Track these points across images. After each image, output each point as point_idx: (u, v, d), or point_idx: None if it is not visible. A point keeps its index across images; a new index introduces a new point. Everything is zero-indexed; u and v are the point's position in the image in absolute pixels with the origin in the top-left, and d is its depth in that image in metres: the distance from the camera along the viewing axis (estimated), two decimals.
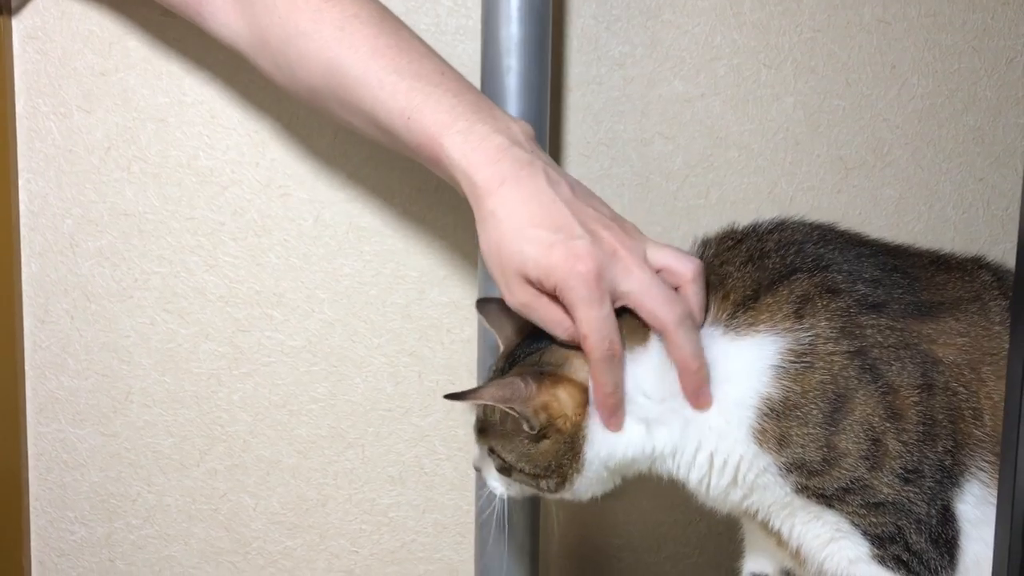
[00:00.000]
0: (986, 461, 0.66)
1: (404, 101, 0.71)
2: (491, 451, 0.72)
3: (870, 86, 0.97)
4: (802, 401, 0.65)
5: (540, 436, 0.69)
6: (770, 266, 0.69)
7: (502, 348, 0.75)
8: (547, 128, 0.89)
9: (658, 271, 0.68)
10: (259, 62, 0.80)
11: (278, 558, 1.04)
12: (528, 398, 0.67)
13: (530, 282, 0.67)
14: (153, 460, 1.02)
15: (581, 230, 0.65)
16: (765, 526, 0.72)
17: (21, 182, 0.98)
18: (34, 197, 0.98)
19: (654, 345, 0.68)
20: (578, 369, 0.68)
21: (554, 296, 0.67)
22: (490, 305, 0.77)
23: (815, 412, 0.65)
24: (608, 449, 0.69)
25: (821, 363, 0.66)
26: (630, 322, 0.68)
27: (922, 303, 0.68)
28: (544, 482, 0.71)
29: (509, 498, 0.75)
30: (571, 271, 0.64)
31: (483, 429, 0.73)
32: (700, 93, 0.97)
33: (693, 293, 0.67)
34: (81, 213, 0.98)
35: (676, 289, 0.68)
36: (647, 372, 0.68)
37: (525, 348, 0.71)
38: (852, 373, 0.65)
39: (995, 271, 0.73)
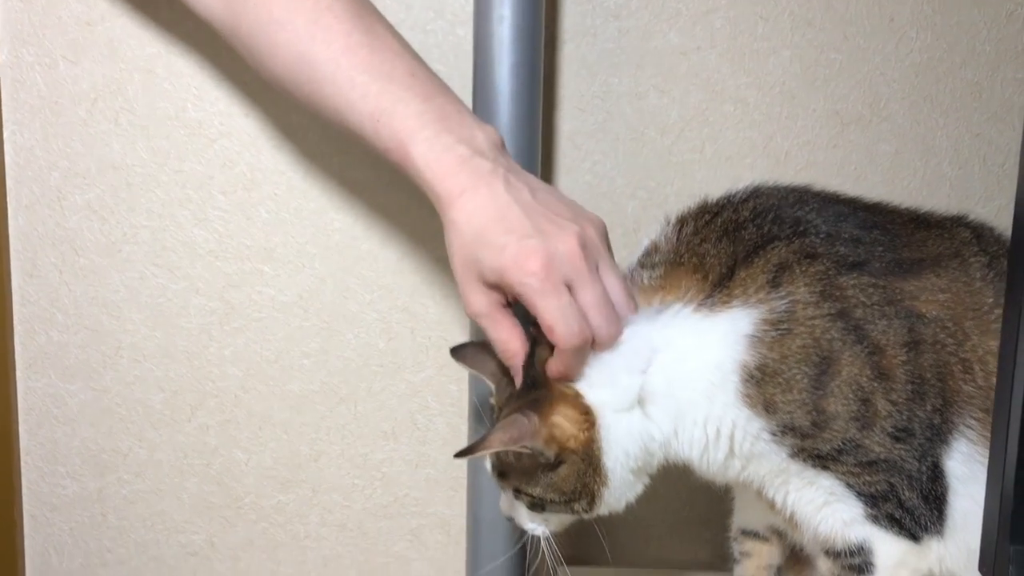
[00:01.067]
0: (973, 418, 0.67)
1: (374, 104, 0.72)
2: (517, 492, 0.72)
3: (867, 40, 0.96)
4: (782, 367, 0.66)
5: (557, 463, 0.69)
6: (746, 237, 0.70)
7: (493, 388, 0.75)
8: (541, 80, 0.88)
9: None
10: (232, 43, 0.79)
11: (271, 513, 1.05)
12: (535, 432, 0.68)
13: (491, 288, 0.69)
14: (144, 415, 1.02)
15: (532, 229, 0.67)
16: (761, 494, 0.73)
17: (6, 134, 0.97)
18: (19, 149, 0.97)
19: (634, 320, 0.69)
20: (569, 386, 0.69)
21: (510, 308, 0.70)
22: (465, 350, 0.78)
23: (799, 377, 0.66)
24: (623, 449, 0.69)
25: (802, 328, 0.66)
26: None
27: (903, 260, 0.68)
28: (577, 505, 0.71)
29: (552, 534, 0.75)
30: (522, 269, 0.66)
31: (503, 473, 0.72)
32: (696, 46, 0.96)
33: (620, 322, 0.69)
34: (68, 166, 0.97)
35: None
36: (629, 351, 0.69)
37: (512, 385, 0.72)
38: (836, 335, 0.65)
39: (974, 228, 0.73)
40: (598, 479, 0.69)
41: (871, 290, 0.67)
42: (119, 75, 0.96)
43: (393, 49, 0.74)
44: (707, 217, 0.73)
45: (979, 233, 0.73)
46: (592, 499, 0.70)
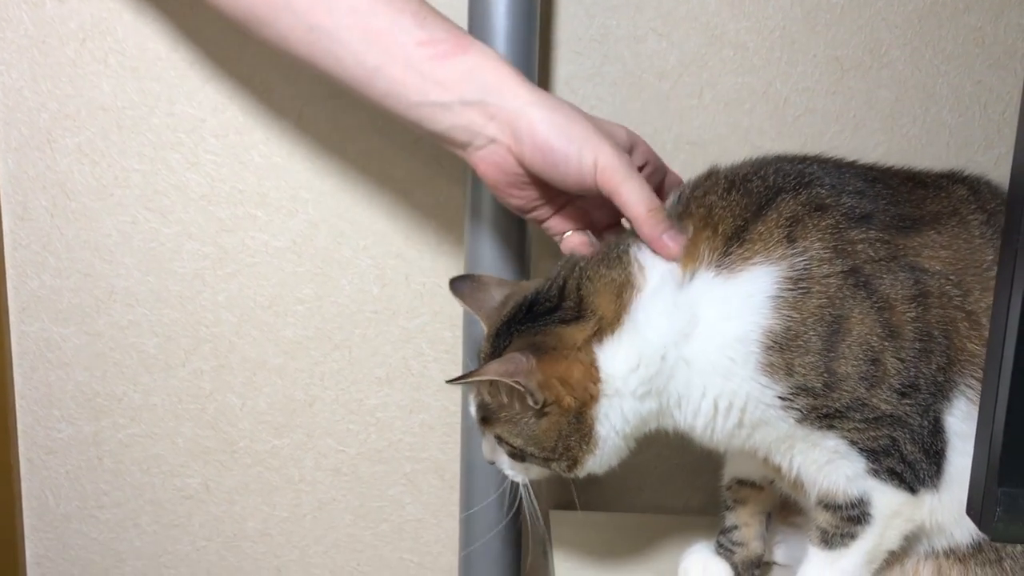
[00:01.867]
0: (975, 378, 0.67)
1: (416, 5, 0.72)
2: (498, 439, 0.72)
3: None
4: (802, 329, 0.65)
5: (542, 413, 0.69)
6: (754, 190, 0.69)
7: (484, 328, 0.75)
8: (537, 22, 0.87)
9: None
10: None
11: (265, 457, 1.05)
12: (530, 371, 0.67)
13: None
14: (138, 360, 1.02)
15: (604, 137, 0.71)
16: (766, 461, 0.73)
17: None
18: (8, 90, 0.96)
19: (653, 285, 0.68)
20: (575, 343, 0.68)
21: None
22: (464, 284, 0.77)
23: (814, 339, 0.65)
24: (622, 419, 0.69)
25: (818, 287, 0.65)
26: (618, 278, 0.69)
27: (905, 216, 0.68)
28: (556, 464, 0.71)
29: (532, 482, 0.76)
30: (612, 167, 0.70)
31: (485, 417, 0.72)
32: None
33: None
34: (57, 107, 0.96)
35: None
36: (650, 317, 0.68)
37: (512, 328, 0.71)
38: (847, 292, 0.65)
39: (970, 185, 0.73)
40: (585, 446, 0.69)
41: (879, 244, 0.66)
42: (108, 14, 0.94)
43: None
44: (711, 176, 0.73)
45: (975, 189, 0.72)
46: (574, 462, 0.70)
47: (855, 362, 0.65)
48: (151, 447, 1.05)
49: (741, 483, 0.82)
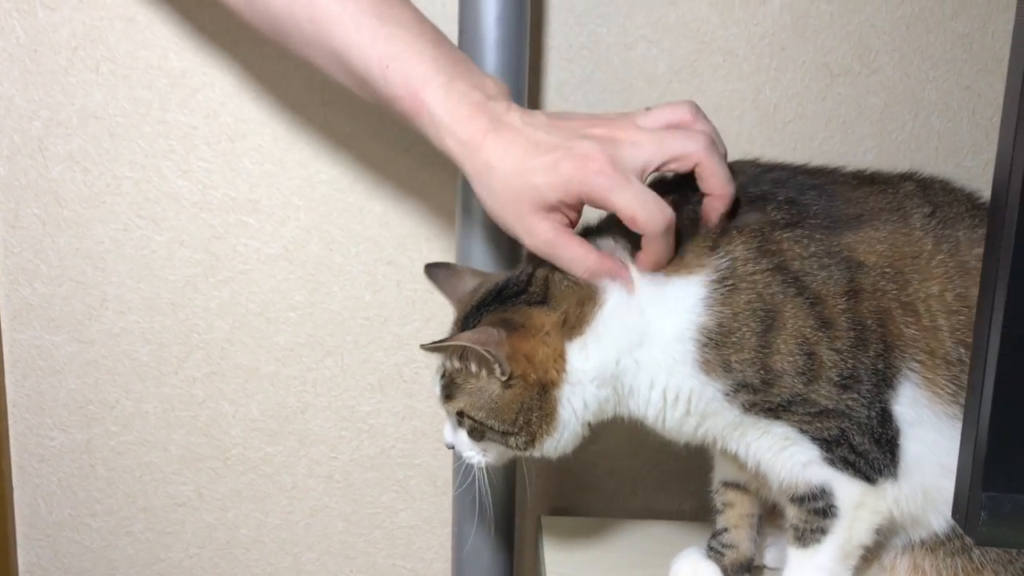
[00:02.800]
0: (916, 361, 0.68)
1: (383, 49, 0.71)
2: (460, 415, 0.74)
3: None
4: (735, 324, 0.67)
5: (507, 384, 0.71)
6: (689, 214, 0.71)
7: (455, 313, 0.77)
8: (528, 29, 0.87)
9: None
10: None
11: (258, 464, 1.05)
12: (500, 343, 0.69)
13: (551, 211, 0.69)
14: (130, 367, 1.02)
15: (575, 138, 0.67)
16: (723, 453, 0.75)
17: None
18: (0, 98, 0.96)
19: (612, 303, 0.70)
20: (543, 326, 0.70)
21: (573, 224, 0.71)
22: (439, 270, 0.79)
23: (748, 334, 0.67)
24: (581, 403, 0.71)
25: (744, 283, 0.68)
26: (579, 290, 0.70)
27: (839, 216, 0.70)
28: (513, 440, 0.72)
29: (488, 466, 0.76)
30: (587, 170, 0.66)
31: (450, 394, 0.74)
32: None
33: (700, 128, 0.70)
34: (49, 115, 0.96)
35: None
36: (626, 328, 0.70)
37: (482, 310, 0.73)
38: (777, 288, 0.67)
39: (920, 181, 0.74)
40: (546, 425, 0.71)
41: (806, 242, 0.68)
42: (99, 23, 0.94)
43: (399, 2, 0.73)
44: (663, 185, 0.74)
45: (925, 185, 0.74)
46: (532, 439, 0.72)
47: (790, 357, 0.67)
48: (143, 454, 1.04)
49: (727, 485, 0.83)
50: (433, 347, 0.71)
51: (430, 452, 1.05)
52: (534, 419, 0.71)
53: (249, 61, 0.96)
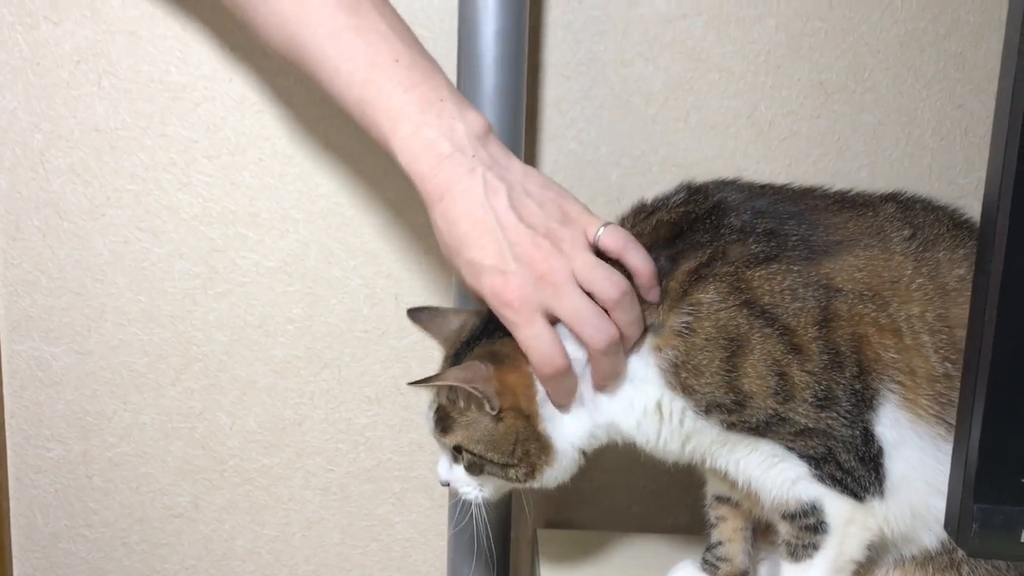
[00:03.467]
0: (896, 382, 0.68)
1: (359, 94, 0.72)
2: (456, 449, 0.74)
3: (852, 9, 0.95)
4: (686, 360, 0.69)
5: (499, 418, 0.71)
6: (677, 246, 0.72)
7: (443, 352, 0.77)
8: (526, 47, 0.87)
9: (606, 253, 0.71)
10: (233, 14, 0.79)
11: (254, 475, 1.04)
12: (488, 378, 0.70)
13: None
14: (129, 379, 1.02)
15: (508, 258, 0.68)
16: (715, 472, 0.75)
17: None
18: (2, 111, 0.96)
19: None
20: (523, 360, 0.71)
21: None
22: (421, 314, 0.80)
23: (706, 362, 0.68)
24: (573, 431, 0.72)
25: (705, 323, 0.68)
26: None
27: (819, 244, 0.70)
28: (514, 472, 0.73)
29: (485, 501, 0.76)
30: (498, 301, 0.68)
31: (445, 427, 0.74)
32: (682, 13, 0.95)
33: (617, 319, 0.69)
34: (51, 128, 0.96)
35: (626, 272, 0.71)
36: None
37: (472, 344, 0.74)
38: (742, 320, 0.68)
39: (902, 202, 0.74)
40: (544, 456, 0.72)
41: (781, 276, 0.69)
42: (102, 37, 0.94)
43: (379, 31, 0.73)
44: (643, 217, 0.75)
45: (907, 206, 0.74)
46: (532, 470, 0.72)
47: (760, 378, 0.67)
48: (140, 466, 1.04)
49: (720, 500, 0.83)
50: (420, 384, 0.71)
51: (426, 465, 1.05)
52: (532, 449, 0.72)
53: (250, 76, 0.96)
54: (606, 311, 0.69)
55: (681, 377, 0.69)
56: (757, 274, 0.69)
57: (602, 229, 0.70)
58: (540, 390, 0.72)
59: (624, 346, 0.70)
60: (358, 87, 0.72)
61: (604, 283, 0.68)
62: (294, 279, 1.00)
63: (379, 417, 1.04)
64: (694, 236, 0.72)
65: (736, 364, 0.68)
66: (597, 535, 0.97)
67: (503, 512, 0.94)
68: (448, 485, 0.77)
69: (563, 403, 0.72)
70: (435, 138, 0.70)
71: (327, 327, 1.01)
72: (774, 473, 0.71)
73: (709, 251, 0.71)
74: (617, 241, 0.70)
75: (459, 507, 0.79)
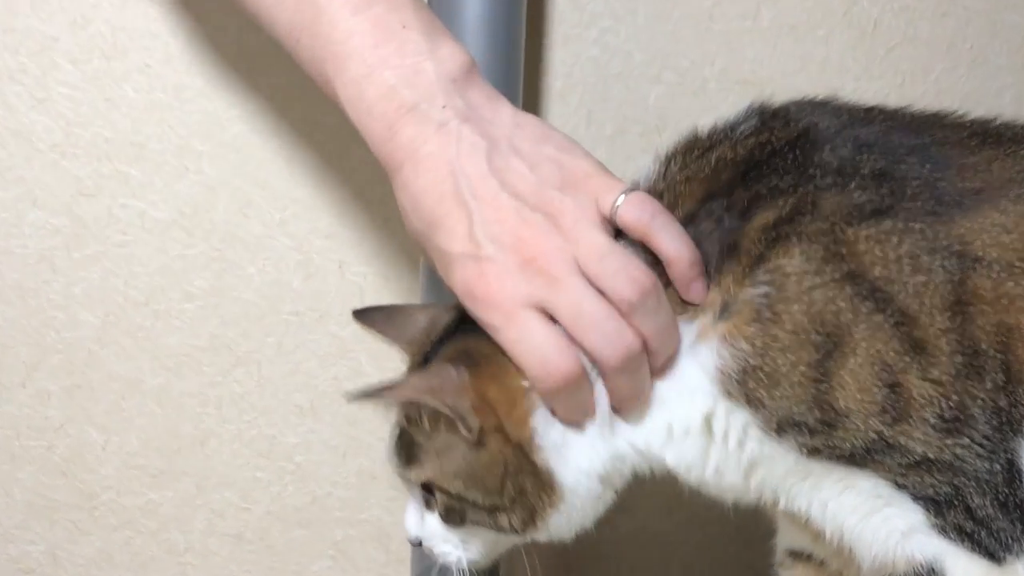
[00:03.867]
0: None
1: (292, 15, 0.73)
2: (427, 489, 0.73)
3: None
4: (761, 362, 0.67)
5: (480, 442, 0.70)
6: (742, 195, 0.70)
7: (407, 358, 0.77)
8: None
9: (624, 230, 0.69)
10: None
11: (137, 516, 1.03)
12: (460, 388, 0.69)
13: None
14: None
15: (484, 240, 0.68)
16: (792, 518, 0.72)
17: None
18: None
19: None
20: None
21: None
22: (375, 315, 0.81)
23: (787, 367, 0.66)
24: (587, 457, 0.71)
25: (794, 306, 0.66)
26: None
27: (948, 195, 0.68)
28: (505, 518, 0.71)
29: (472, 564, 0.75)
30: (470, 298, 0.68)
31: (410, 456, 0.73)
32: None
33: (635, 325, 0.69)
34: None
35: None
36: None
37: (445, 343, 0.74)
38: (843, 304, 0.66)
39: None
40: (545, 495, 0.71)
41: (896, 239, 0.67)
42: None
43: None
44: (697, 154, 0.73)
45: None
46: (531, 516, 0.71)
47: (861, 392, 0.65)
48: None
49: (796, 557, 0.81)
50: (364, 399, 0.71)
51: (381, 503, 1.03)
52: (529, 487, 0.71)
53: None
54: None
55: (748, 385, 0.67)
56: (862, 234, 0.66)
57: (622, 198, 0.68)
58: (535, 404, 0.70)
59: (652, 363, 0.68)
60: (291, 5, 0.72)
61: (619, 277, 0.67)
62: (195, 238, 0.98)
63: (315, 435, 1.02)
64: (771, 179, 0.69)
65: (829, 370, 0.66)
66: None
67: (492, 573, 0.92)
68: (420, 544, 0.76)
69: (575, 421, 0.71)
70: (394, 84, 0.70)
71: (242, 306, 0.99)
72: (876, 521, 0.69)
73: (793, 200, 0.68)
74: (642, 215, 0.68)
75: (435, 572, 0.79)
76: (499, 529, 0.72)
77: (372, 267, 0.99)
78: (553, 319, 0.68)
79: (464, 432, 0.70)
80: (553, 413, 0.71)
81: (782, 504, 0.71)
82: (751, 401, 0.67)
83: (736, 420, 0.68)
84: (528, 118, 0.71)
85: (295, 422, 1.02)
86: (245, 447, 1.02)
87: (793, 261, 0.67)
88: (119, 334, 0.99)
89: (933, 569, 0.68)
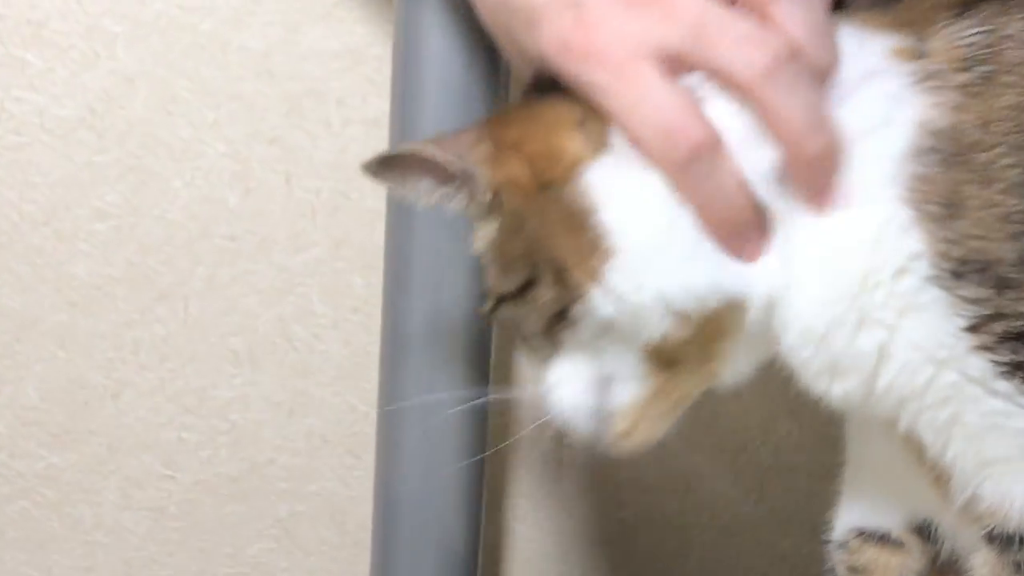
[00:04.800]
0: None
1: None
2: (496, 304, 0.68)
3: None
4: (984, 138, 0.59)
5: (496, 204, 0.66)
6: None
7: None
8: None
9: None
10: None
11: (36, 484, 0.97)
12: (473, 143, 0.66)
13: None
14: None
15: None
16: (915, 448, 0.62)
17: None
18: None
19: None
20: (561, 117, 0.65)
21: None
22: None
23: (1006, 163, 0.59)
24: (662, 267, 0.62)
25: (1013, 77, 0.60)
26: None
27: None
28: (541, 293, 0.63)
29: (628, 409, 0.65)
30: (565, 54, 0.64)
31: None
32: None
33: (780, 26, 0.62)
34: None
35: None
36: None
37: None
38: None
39: None
40: (590, 252, 0.64)
41: None
42: None
43: None
44: None
45: None
46: (565, 277, 0.64)
47: None
48: None
49: (866, 537, 0.73)
50: (379, 162, 0.66)
51: (336, 472, 0.98)
52: (558, 233, 0.65)
53: None
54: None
55: (953, 176, 0.60)
56: None
57: None
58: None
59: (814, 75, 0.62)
60: None
61: None
62: (108, 143, 0.92)
63: (254, 388, 0.96)
64: None
65: None
66: None
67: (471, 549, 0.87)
68: (536, 404, 0.70)
69: (730, 239, 0.63)
70: None
71: (165, 229, 0.93)
72: (1004, 472, 0.61)
73: None
74: None
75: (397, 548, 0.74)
76: (540, 314, 0.65)
77: (327, 181, 0.92)
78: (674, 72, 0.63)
79: (479, 198, 0.67)
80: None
81: (904, 424, 0.61)
82: (950, 204, 0.60)
83: (905, 246, 0.60)
84: None
85: (230, 372, 0.96)
86: (168, 402, 0.96)
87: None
88: (12, 259, 0.93)
89: None
